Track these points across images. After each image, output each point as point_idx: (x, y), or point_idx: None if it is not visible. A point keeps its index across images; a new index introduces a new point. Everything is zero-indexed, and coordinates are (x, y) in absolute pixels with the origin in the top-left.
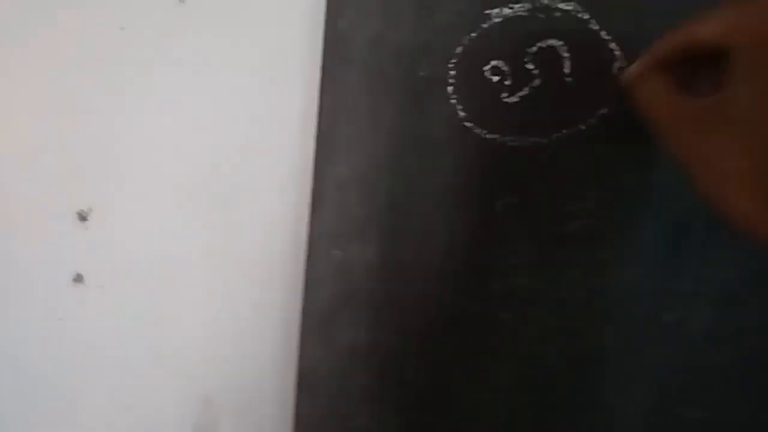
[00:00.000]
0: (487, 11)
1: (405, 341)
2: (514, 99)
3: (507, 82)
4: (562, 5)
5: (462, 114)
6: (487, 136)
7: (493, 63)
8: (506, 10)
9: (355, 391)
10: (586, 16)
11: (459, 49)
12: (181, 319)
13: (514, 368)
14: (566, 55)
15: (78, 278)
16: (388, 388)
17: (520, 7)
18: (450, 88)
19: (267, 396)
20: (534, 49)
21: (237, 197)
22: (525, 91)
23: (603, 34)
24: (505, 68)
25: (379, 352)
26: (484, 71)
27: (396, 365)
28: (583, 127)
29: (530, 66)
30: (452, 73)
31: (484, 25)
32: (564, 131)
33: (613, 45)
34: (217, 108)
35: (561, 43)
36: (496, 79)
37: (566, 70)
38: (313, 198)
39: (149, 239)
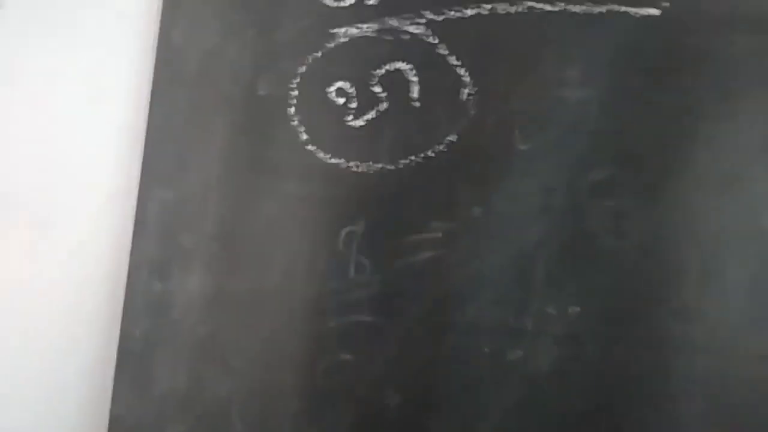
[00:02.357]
0: (333, 30)
1: (232, 385)
2: (359, 123)
3: (352, 105)
4: (410, 28)
5: (304, 137)
6: (331, 160)
7: (338, 84)
8: (352, 30)
9: None
10: (435, 41)
11: (302, 69)
12: None
13: (354, 412)
14: (414, 79)
15: None
16: None
17: (367, 28)
18: (291, 110)
19: None
20: (381, 71)
21: (49, 220)
22: (371, 115)
23: (452, 59)
24: (350, 90)
25: (201, 397)
26: (328, 93)
27: (221, 412)
28: (432, 155)
29: (377, 89)
30: (294, 93)
31: (329, 45)
32: (411, 158)
33: (462, 71)
34: (30, 120)
35: (409, 66)
36: (341, 101)
37: (414, 95)
38: (135, 223)
39: None
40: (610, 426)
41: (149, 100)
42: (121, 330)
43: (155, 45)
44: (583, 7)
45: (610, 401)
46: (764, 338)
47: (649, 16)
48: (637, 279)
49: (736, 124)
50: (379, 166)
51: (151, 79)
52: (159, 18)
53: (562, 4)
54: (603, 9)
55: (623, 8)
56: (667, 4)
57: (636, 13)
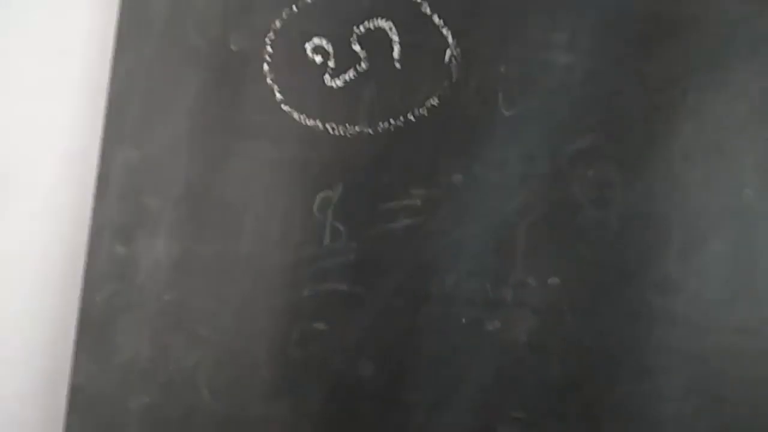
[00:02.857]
0: None
1: (199, 354)
2: (337, 83)
3: (330, 64)
4: None
5: (279, 96)
6: (307, 122)
7: (316, 41)
8: None
9: (135, 412)
10: None
11: (277, 23)
12: None
13: (327, 382)
14: (396, 38)
15: None
16: (175, 409)
17: None
18: (266, 66)
19: (33, 416)
20: (361, 29)
21: (5, 180)
22: (350, 75)
23: (435, 18)
24: (328, 48)
25: (166, 366)
26: (305, 50)
27: (187, 382)
28: (412, 118)
29: (357, 47)
30: (269, 49)
31: None
32: (391, 121)
33: (445, 31)
34: None
35: (390, 24)
36: (318, 59)
37: (395, 55)
38: (97, 183)
39: None
40: (588, 397)
41: (113, 53)
42: (82, 296)
43: None
44: None
45: (588, 372)
46: (743, 311)
47: None
48: (617, 250)
49: (723, 94)
50: (357, 129)
51: (115, 32)
52: None
53: None
54: None
55: None
56: None
57: None
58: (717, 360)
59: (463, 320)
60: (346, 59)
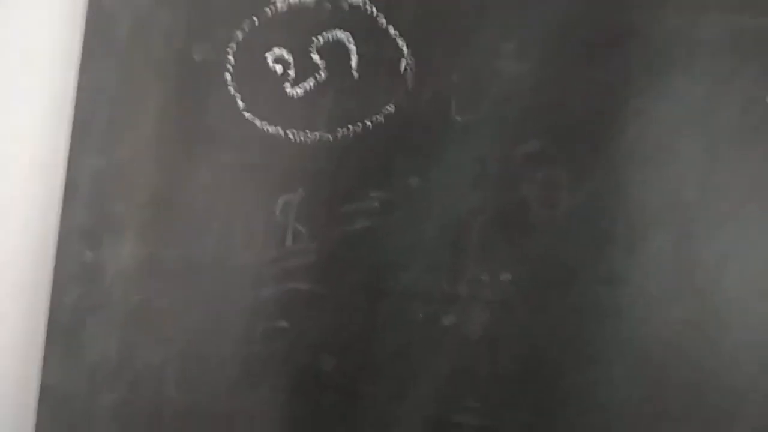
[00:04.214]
0: None
1: (166, 353)
2: (298, 91)
3: (291, 73)
4: None
5: (241, 104)
6: (269, 128)
7: (277, 52)
8: None
9: (104, 409)
10: (375, 12)
11: (239, 35)
12: None
13: (290, 377)
14: (353, 48)
15: None
16: (142, 405)
17: None
18: (228, 76)
19: (4, 415)
20: (320, 40)
21: None
22: (309, 84)
23: (391, 30)
24: (289, 58)
25: (133, 365)
26: (266, 60)
27: (155, 380)
28: (369, 125)
29: (316, 58)
30: (231, 59)
31: (268, 11)
32: (350, 127)
33: (400, 42)
34: None
35: (348, 36)
36: (279, 69)
37: (353, 65)
38: (64, 191)
39: None
40: (539, 386)
41: (79, 64)
42: (51, 299)
43: (84, 10)
44: None
45: (539, 363)
46: (684, 303)
47: None
48: (565, 247)
49: (663, 99)
50: (317, 135)
51: (81, 43)
52: None
53: None
54: None
55: None
56: None
57: None
58: (660, 350)
59: (421, 315)
60: (305, 69)
